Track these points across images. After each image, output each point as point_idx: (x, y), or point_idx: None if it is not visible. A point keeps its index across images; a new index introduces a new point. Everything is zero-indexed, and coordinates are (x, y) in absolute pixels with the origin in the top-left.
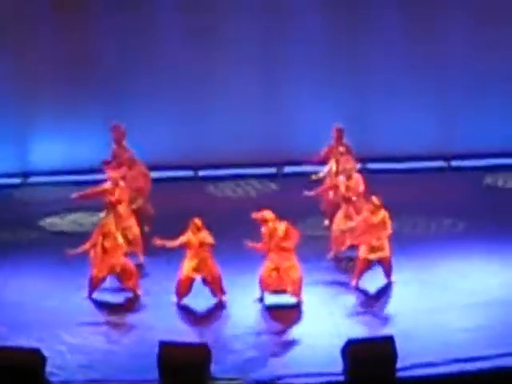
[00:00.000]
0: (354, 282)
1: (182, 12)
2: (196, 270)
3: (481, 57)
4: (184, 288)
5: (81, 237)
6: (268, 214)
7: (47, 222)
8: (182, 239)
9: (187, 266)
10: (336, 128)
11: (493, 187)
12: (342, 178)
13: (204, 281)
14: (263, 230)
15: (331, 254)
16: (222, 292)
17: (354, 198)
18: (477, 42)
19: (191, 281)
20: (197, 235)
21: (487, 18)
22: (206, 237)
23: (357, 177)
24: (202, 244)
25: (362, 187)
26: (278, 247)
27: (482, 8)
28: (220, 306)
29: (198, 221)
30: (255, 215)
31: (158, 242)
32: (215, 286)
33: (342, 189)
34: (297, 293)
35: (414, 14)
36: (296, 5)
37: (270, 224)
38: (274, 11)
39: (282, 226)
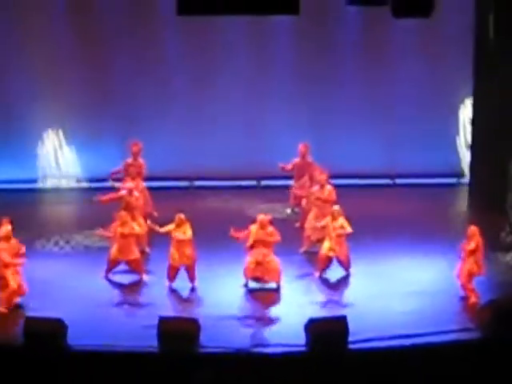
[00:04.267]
0: (317, 274)
1: (183, 56)
2: (180, 259)
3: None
4: (172, 273)
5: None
6: (265, 217)
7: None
8: (166, 228)
9: (174, 255)
10: (302, 145)
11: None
12: (316, 188)
13: (185, 268)
14: (252, 228)
15: (302, 249)
16: (194, 278)
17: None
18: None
19: (178, 268)
20: (180, 228)
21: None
22: (187, 230)
23: (329, 187)
24: (184, 234)
25: (333, 196)
26: (262, 243)
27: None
28: (194, 290)
29: (181, 216)
30: (258, 217)
31: (150, 226)
32: (191, 272)
33: (317, 195)
34: (277, 281)
35: (369, 62)
36: (276, 57)
37: (254, 227)
38: (258, 65)
39: (270, 227)
